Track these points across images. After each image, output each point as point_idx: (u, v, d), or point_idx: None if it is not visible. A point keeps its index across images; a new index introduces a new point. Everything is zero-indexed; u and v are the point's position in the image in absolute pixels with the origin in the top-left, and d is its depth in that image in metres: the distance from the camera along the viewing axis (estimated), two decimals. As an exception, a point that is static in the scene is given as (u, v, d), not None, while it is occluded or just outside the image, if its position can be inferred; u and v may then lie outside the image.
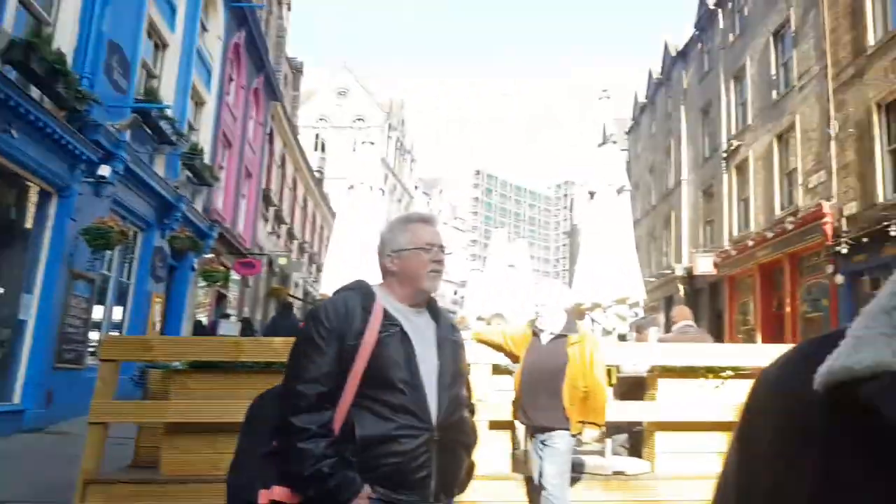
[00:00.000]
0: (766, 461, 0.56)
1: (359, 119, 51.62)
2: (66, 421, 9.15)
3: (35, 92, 8.74)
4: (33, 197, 9.64)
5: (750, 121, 21.02)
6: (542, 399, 4.45)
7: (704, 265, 22.01)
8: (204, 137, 16.64)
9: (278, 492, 2.00)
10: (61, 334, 9.78)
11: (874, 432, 0.47)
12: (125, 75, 11.55)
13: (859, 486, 0.49)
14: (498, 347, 5.08)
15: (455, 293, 62.99)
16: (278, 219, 26.12)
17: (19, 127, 8.35)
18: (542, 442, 4.46)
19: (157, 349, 5.34)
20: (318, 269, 33.94)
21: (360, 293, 2.19)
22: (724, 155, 22.52)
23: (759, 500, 0.54)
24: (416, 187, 64.76)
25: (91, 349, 10.86)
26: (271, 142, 24.65)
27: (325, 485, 1.94)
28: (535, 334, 4.72)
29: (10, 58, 8.19)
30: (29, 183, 9.40)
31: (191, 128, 15.83)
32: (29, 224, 9.64)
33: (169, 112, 13.10)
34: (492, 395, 5.21)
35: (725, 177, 22.54)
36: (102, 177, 10.33)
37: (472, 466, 2.28)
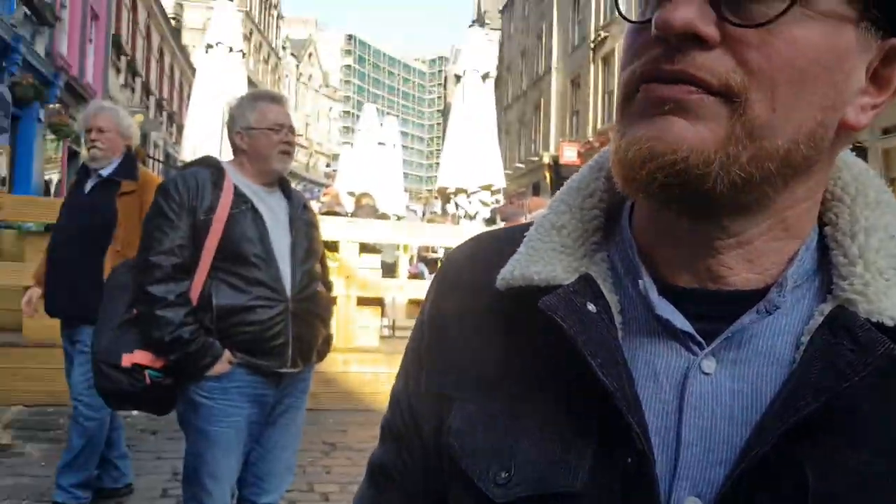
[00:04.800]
0: (455, 341, 0.61)
1: (221, -37, 46.90)
2: None
3: None
4: None
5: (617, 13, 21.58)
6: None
7: (569, 154, 22.82)
8: (42, -31, 14.69)
9: (139, 355, 2.16)
10: None
11: (544, 329, 0.54)
12: None
13: (530, 373, 0.56)
14: None
15: (327, 166, 61.68)
16: (132, 70, 23.96)
17: None
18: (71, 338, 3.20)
19: (9, 208, 5.13)
20: (179, 130, 31.88)
21: (209, 169, 2.28)
22: (592, 45, 23.11)
23: (447, 376, 0.61)
24: (283, 48, 61.03)
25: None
26: (121, -20, 22.12)
27: (186, 350, 2.12)
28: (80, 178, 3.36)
29: None
30: None
31: (26, -44, 13.90)
32: None
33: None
34: (360, 273, 5.53)
35: (592, 67, 23.26)
36: (-79, 7, 9.07)
37: (328, 337, 2.53)
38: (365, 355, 5.40)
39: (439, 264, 6.04)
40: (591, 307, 0.54)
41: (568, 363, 0.53)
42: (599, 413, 0.52)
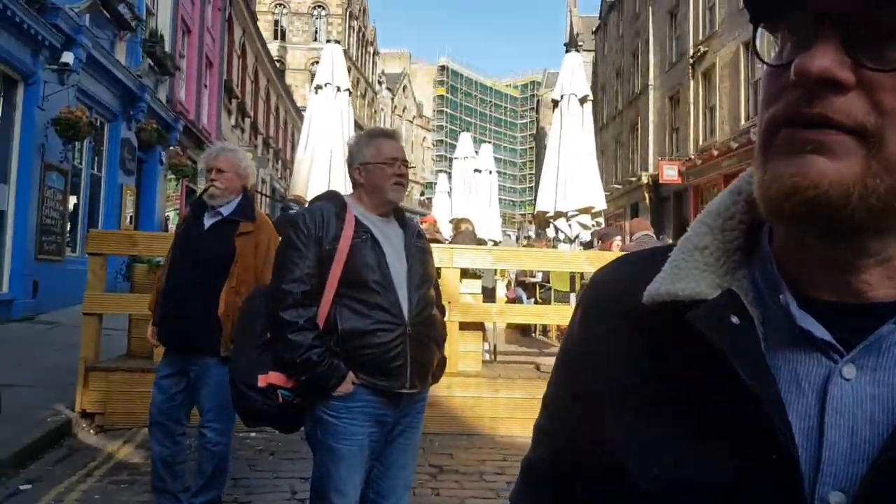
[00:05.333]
0: (603, 351, 0.68)
1: (318, 6, 49.36)
2: (54, 311, 9.45)
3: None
4: (-2, 84, 9.45)
5: (717, 26, 20.95)
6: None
7: (669, 173, 22.17)
8: (163, 23, 16.02)
9: (274, 376, 2.32)
10: (40, 226, 9.86)
11: (689, 340, 0.60)
12: (77, -48, 11.03)
13: (675, 379, 0.61)
14: None
15: (421, 194, 62.87)
16: (242, 112, 25.53)
17: (-23, 10, 8.04)
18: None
19: (142, 244, 5.58)
20: (285, 166, 33.49)
21: (333, 202, 2.45)
22: (691, 61, 22.50)
23: (596, 383, 0.69)
24: (379, 82, 63.08)
25: (69, 241, 11.07)
26: (230, 29, 23.66)
27: (315, 370, 2.26)
28: (196, 214, 3.47)
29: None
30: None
31: (149, 12, 15.20)
32: (-4, 112, 9.50)
33: (125, -6, 12.62)
34: (462, 298, 5.61)
35: (692, 83, 22.62)
36: (66, 64, 10.07)
37: (443, 359, 2.61)
38: (468, 380, 5.45)
39: (538, 288, 6.08)
40: (734, 319, 0.58)
41: (713, 371, 0.58)
42: (745, 416, 0.56)
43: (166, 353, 3.39)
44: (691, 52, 22.54)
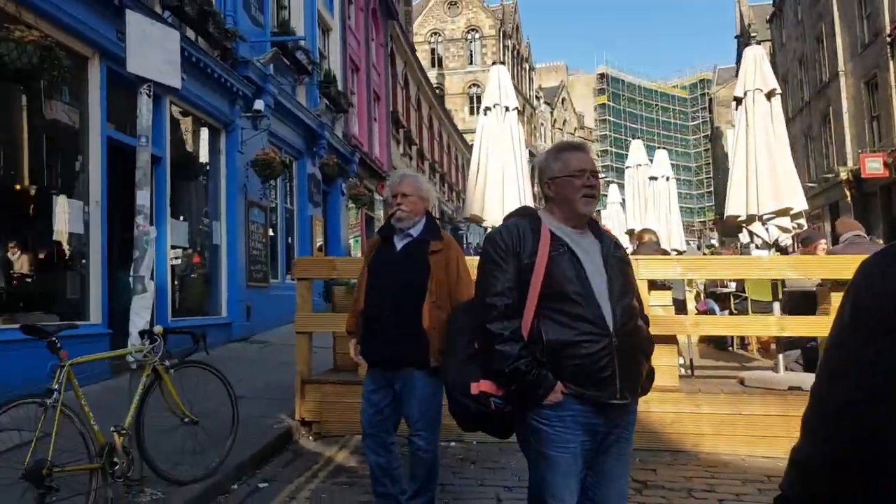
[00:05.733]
0: (874, 347, 0.71)
1: (472, 30, 50.65)
2: (264, 332, 10.55)
3: (190, 33, 9.49)
4: (205, 133, 10.74)
5: (921, -3, 18.68)
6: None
7: (873, 166, 20.11)
8: (334, 64, 17.29)
9: (485, 384, 2.39)
10: (248, 256, 11.09)
11: None
12: (261, 9, 12.28)
13: None
14: None
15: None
16: (408, 140, 26.78)
17: (186, 69, 9.12)
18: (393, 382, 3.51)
19: (340, 268, 6.02)
20: (451, 188, 34.58)
21: (527, 218, 2.49)
22: (889, 39, 20.22)
23: (867, 380, 0.71)
24: (537, 97, 63.20)
25: (271, 269, 12.30)
26: (393, 62, 24.96)
27: (523, 380, 2.29)
28: (386, 238, 3.69)
29: (166, 2, 8.91)
30: (199, 120, 10.45)
31: (322, 56, 16.49)
32: (205, 158, 10.81)
33: (303, 42, 13.78)
34: (654, 310, 5.41)
35: (892, 64, 20.30)
36: (258, 111, 11.23)
37: (651, 370, 2.54)
38: (665, 395, 5.20)
39: (731, 299, 5.75)
40: None
41: None
42: None
43: (370, 369, 3.58)
44: (888, 29, 20.27)
